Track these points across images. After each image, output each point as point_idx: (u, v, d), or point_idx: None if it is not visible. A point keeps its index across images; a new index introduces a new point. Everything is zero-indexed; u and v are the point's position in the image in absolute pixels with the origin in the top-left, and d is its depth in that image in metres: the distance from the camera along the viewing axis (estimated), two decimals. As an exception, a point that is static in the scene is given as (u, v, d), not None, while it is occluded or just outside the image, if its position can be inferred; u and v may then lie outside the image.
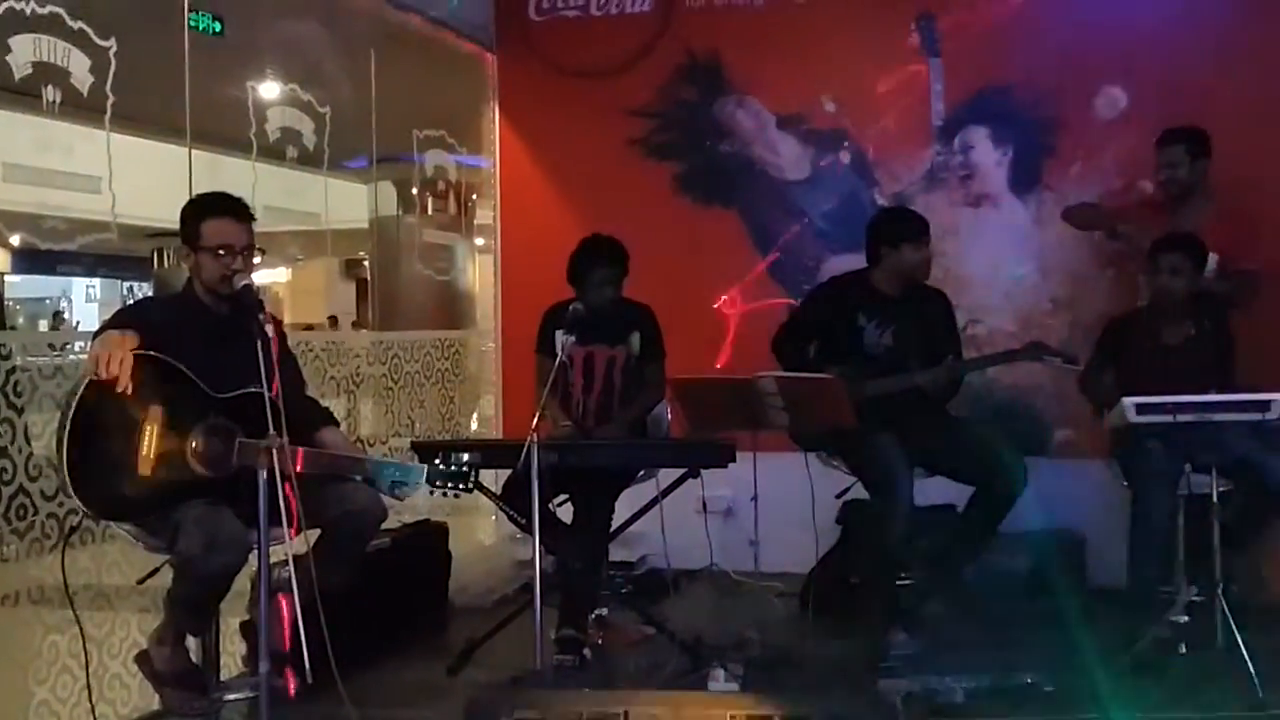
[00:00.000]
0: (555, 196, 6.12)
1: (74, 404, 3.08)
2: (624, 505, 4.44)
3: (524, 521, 4.20)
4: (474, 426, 6.64)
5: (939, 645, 4.28)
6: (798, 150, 5.83)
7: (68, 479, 3.07)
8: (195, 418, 3.19)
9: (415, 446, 4.34)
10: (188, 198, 3.54)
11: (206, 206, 3.43)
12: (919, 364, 4.41)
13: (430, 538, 5.00)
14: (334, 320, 17.52)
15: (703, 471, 4.25)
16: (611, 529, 4.41)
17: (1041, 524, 4.98)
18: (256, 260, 3.41)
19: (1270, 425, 3.82)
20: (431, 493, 3.53)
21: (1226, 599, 3.83)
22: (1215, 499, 3.88)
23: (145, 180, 5.13)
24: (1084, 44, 5.40)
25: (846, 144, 5.75)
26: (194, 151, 4.73)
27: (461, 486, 3.43)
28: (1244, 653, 3.71)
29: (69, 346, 4.97)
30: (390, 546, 4.52)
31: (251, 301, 3.26)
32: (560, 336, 4.34)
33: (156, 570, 3.30)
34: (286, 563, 3.17)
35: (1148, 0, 5.40)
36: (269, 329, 3.16)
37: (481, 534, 6.38)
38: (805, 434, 4.37)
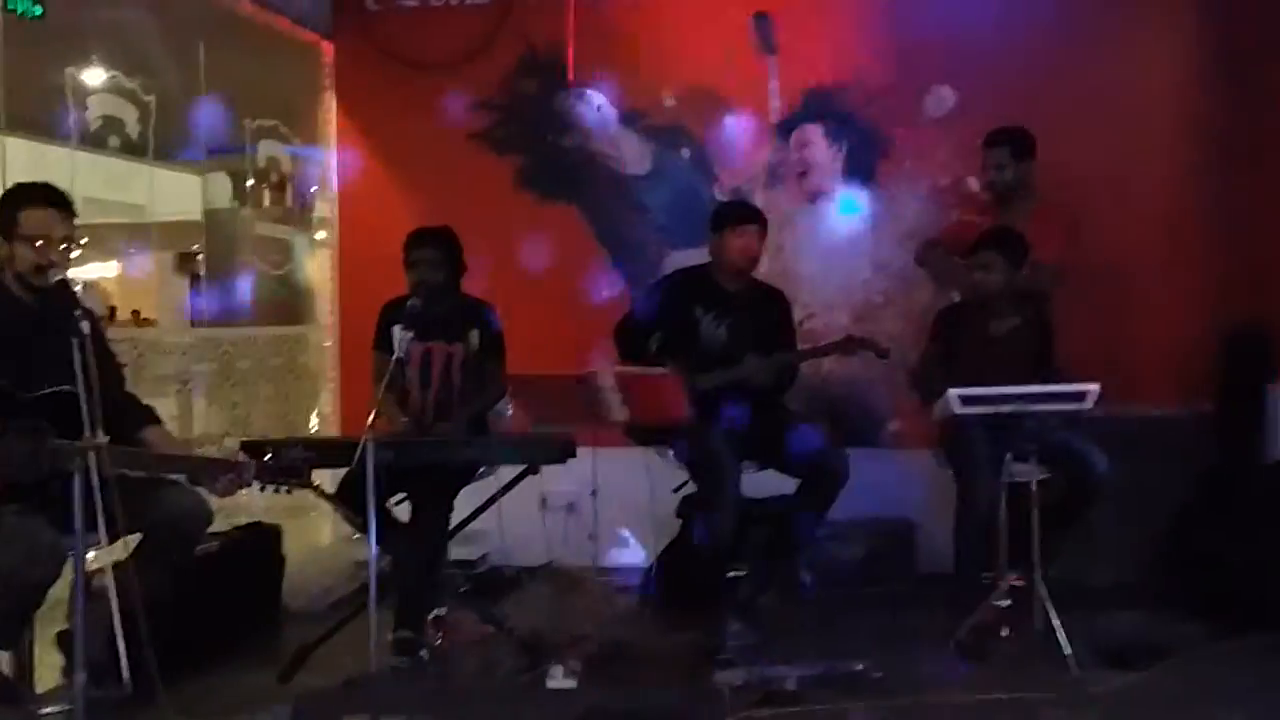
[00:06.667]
0: (395, 190, 6.02)
1: None
2: (465, 502, 4.39)
3: (360, 521, 4.11)
4: (314, 425, 6.49)
5: (775, 634, 4.36)
6: (639, 145, 5.85)
7: None
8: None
9: (245, 446, 4.20)
10: (3, 187, 3.40)
11: (25, 195, 3.34)
12: (753, 359, 4.49)
13: (262, 540, 4.85)
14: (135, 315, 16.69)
15: (543, 467, 4.23)
16: (451, 527, 4.36)
17: (873, 513, 5.13)
18: (74, 254, 3.30)
19: (1086, 415, 4.00)
20: (262, 489, 3.44)
21: (1045, 583, 3.99)
22: (1034, 486, 4.03)
23: (-46, 169, 4.88)
24: (914, 43, 5.52)
25: (687, 139, 5.79)
26: (8, 139, 4.53)
27: (295, 481, 3.35)
28: (1059, 635, 3.87)
29: None
30: (218, 550, 4.38)
31: (66, 296, 3.14)
32: (398, 332, 4.25)
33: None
34: (105, 570, 3.06)
35: (975, 0, 5.51)
36: (85, 326, 3.03)
37: (319, 535, 6.24)
38: (639, 428, 4.39)
